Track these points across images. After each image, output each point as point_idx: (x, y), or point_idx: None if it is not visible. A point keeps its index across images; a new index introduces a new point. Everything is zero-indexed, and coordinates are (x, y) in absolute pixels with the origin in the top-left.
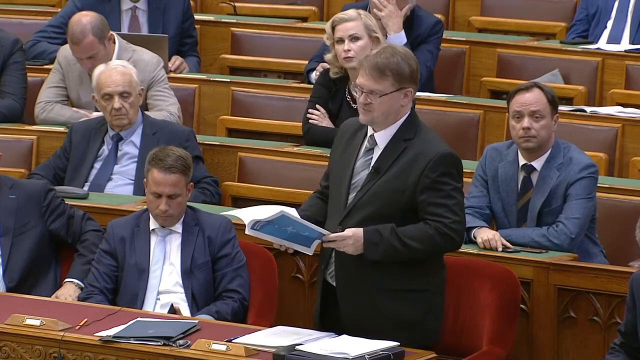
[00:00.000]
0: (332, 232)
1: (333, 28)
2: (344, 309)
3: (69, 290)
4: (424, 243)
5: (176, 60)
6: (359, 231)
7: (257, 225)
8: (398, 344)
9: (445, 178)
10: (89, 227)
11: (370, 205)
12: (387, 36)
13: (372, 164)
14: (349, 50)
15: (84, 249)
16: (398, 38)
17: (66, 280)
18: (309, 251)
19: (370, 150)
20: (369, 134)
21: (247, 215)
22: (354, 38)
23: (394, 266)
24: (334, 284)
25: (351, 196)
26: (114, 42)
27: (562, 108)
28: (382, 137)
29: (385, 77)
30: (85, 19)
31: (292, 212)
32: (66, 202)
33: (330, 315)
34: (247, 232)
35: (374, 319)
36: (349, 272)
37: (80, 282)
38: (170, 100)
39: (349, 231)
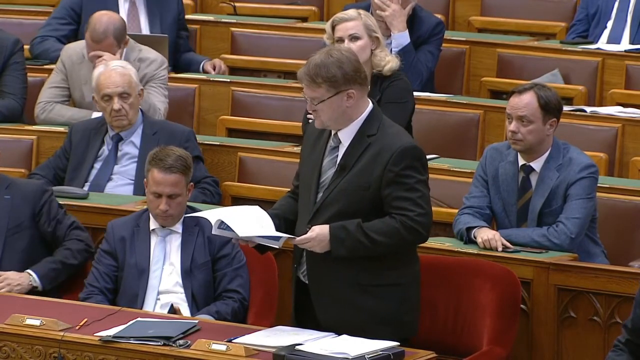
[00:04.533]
0: (302, 232)
1: (333, 28)
2: (317, 306)
3: (20, 278)
4: (390, 237)
5: (214, 64)
6: (324, 228)
7: (223, 224)
8: (398, 344)
9: (409, 171)
10: (72, 236)
11: (337, 202)
12: (390, 35)
13: (337, 161)
14: None
15: (59, 253)
16: (402, 37)
17: (28, 270)
18: (278, 244)
19: (335, 148)
20: (333, 133)
21: (215, 216)
22: (354, 38)
23: (365, 261)
24: (307, 282)
25: (319, 195)
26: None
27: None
28: (346, 135)
29: (319, 85)
30: (108, 19)
31: (263, 213)
32: (62, 207)
33: (306, 313)
34: (213, 232)
35: (348, 315)
36: (321, 269)
37: (36, 278)
38: (160, 97)
39: (313, 230)
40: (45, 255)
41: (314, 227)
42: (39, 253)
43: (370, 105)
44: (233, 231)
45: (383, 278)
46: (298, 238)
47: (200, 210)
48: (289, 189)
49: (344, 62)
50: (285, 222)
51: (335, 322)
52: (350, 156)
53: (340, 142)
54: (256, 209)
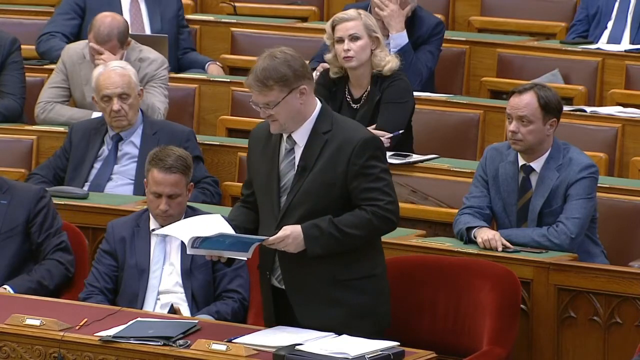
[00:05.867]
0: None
1: (333, 28)
2: (297, 309)
3: None
4: (363, 229)
5: (213, 70)
6: (297, 228)
7: (196, 242)
8: (398, 343)
9: (373, 161)
10: (55, 257)
11: (304, 204)
12: (388, 36)
13: (296, 163)
14: (348, 50)
15: (39, 272)
16: (400, 37)
17: (5, 285)
18: (247, 256)
19: (291, 150)
20: (285, 135)
21: (185, 232)
22: (354, 38)
23: (338, 257)
24: (283, 287)
25: (283, 199)
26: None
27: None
28: (300, 135)
29: (270, 88)
30: (111, 21)
31: (225, 223)
32: (59, 221)
33: (285, 318)
34: (188, 252)
35: (328, 313)
36: (296, 271)
37: (11, 291)
38: (160, 97)
39: (286, 230)
40: (32, 263)
41: (285, 227)
42: (29, 257)
43: (319, 103)
44: (206, 249)
45: (358, 271)
46: (271, 238)
47: (201, 211)
48: (240, 199)
49: (290, 60)
50: (245, 231)
51: (316, 322)
52: (309, 155)
53: (296, 143)
54: (218, 218)
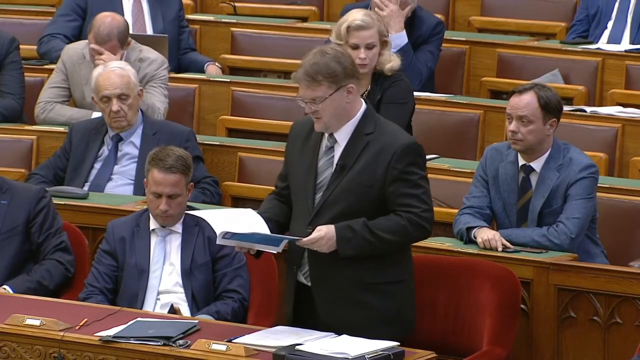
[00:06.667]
0: (301, 234)
1: (348, 32)
2: (321, 307)
3: None
4: (397, 234)
5: (212, 71)
6: (330, 228)
7: (227, 234)
8: (398, 344)
9: (412, 168)
10: (55, 257)
11: (340, 202)
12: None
13: (335, 161)
14: (365, 58)
15: (38, 272)
16: (399, 38)
17: (5, 285)
18: (278, 249)
19: (331, 148)
20: (327, 133)
21: (218, 223)
22: (370, 46)
23: (369, 260)
24: (309, 283)
25: (318, 196)
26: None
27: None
28: (342, 134)
29: (319, 83)
30: (111, 21)
31: (257, 217)
32: (59, 221)
33: (305, 315)
34: (217, 242)
35: (354, 315)
36: (325, 270)
37: (11, 292)
38: (160, 97)
39: (320, 230)
40: (32, 263)
41: (320, 227)
42: (29, 257)
43: (364, 104)
44: (236, 241)
45: (388, 275)
46: (305, 239)
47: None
48: (273, 191)
49: (340, 57)
50: (277, 224)
51: (339, 323)
52: (349, 155)
53: (336, 141)
54: (250, 212)
